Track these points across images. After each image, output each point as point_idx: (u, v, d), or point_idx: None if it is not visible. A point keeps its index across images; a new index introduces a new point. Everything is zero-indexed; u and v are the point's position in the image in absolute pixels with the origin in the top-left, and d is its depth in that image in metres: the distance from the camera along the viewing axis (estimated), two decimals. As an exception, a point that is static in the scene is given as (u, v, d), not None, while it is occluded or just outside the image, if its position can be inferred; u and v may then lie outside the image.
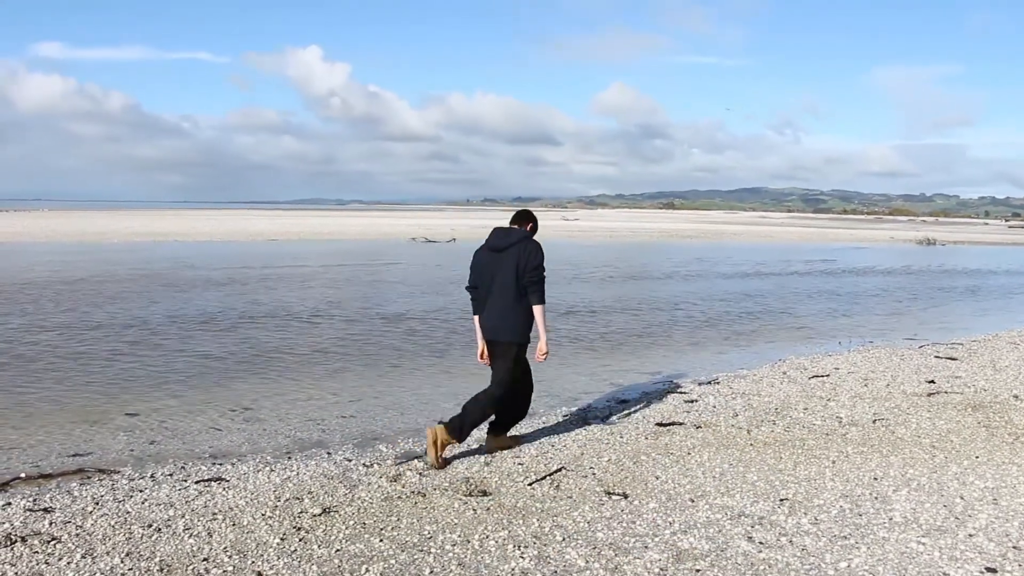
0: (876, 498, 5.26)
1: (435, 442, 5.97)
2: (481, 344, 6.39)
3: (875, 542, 4.53)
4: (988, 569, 4.19)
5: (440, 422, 6.22)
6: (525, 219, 6.56)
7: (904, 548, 4.45)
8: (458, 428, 6.11)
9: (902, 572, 4.15)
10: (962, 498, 5.28)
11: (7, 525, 4.69)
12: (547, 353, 6.39)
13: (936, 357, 10.89)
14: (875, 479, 5.66)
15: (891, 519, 4.89)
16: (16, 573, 4.05)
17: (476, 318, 6.42)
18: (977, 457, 6.21)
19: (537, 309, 6.21)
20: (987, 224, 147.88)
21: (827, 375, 9.56)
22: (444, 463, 6.00)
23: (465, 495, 5.28)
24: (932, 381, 9.16)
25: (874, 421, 7.34)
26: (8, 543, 4.40)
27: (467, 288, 6.53)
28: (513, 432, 6.75)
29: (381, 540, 4.52)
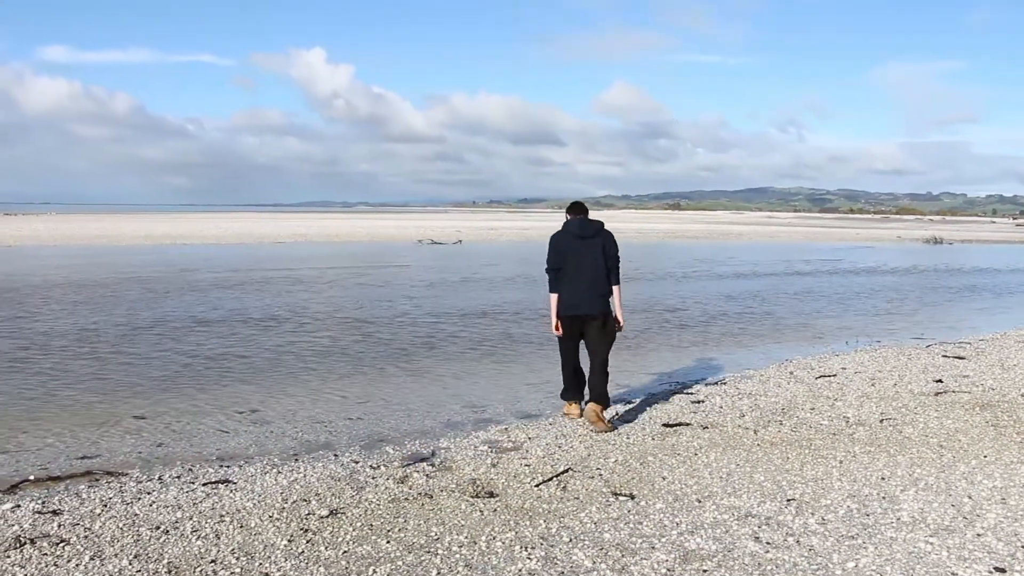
0: (883, 498, 5.26)
1: (598, 415, 7.01)
2: (556, 318, 7.23)
3: (883, 542, 4.52)
4: (997, 569, 4.18)
5: (587, 402, 7.20)
6: (585, 209, 7.49)
7: (912, 548, 4.44)
8: (604, 395, 7.18)
9: (910, 572, 4.15)
10: (970, 497, 5.27)
11: (16, 527, 4.72)
12: (623, 324, 7.34)
13: (944, 356, 10.86)
14: (882, 479, 5.65)
15: (899, 519, 4.88)
16: (26, 575, 4.07)
17: (554, 296, 7.22)
18: (985, 456, 6.20)
19: (616, 288, 7.25)
20: (994, 223, 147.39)
21: (834, 375, 9.55)
22: (611, 426, 7.07)
23: (472, 496, 5.29)
24: (940, 380, 9.14)
25: (881, 421, 7.33)
26: (18, 545, 4.42)
27: (548, 270, 7.25)
28: (527, 435, 6.79)
29: (388, 542, 4.53)
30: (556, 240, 7.25)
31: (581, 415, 7.31)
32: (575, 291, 7.10)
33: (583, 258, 7.10)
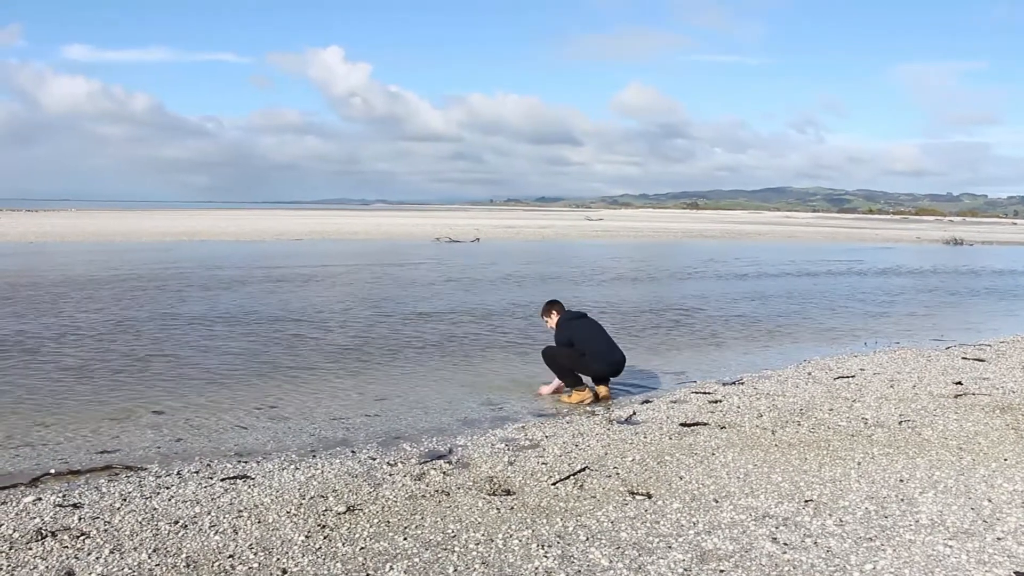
0: (902, 500, 5.23)
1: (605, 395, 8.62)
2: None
3: (901, 544, 4.50)
4: (1017, 573, 4.15)
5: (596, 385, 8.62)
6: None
7: (931, 551, 4.42)
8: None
9: (929, 575, 4.12)
10: (990, 501, 5.23)
11: (38, 520, 4.77)
12: None
13: (963, 358, 10.78)
14: (901, 481, 5.62)
15: (917, 521, 4.85)
16: (47, 567, 4.11)
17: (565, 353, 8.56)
18: (1006, 459, 6.15)
19: None
20: (1016, 224, 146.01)
21: (852, 376, 9.49)
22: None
23: (489, 494, 5.30)
24: (959, 382, 9.07)
25: (900, 422, 7.29)
26: (39, 537, 4.47)
27: (577, 350, 8.48)
28: (544, 433, 6.80)
29: (405, 538, 4.54)
30: (576, 325, 8.64)
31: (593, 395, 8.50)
32: (610, 351, 8.55)
33: (596, 331, 8.65)
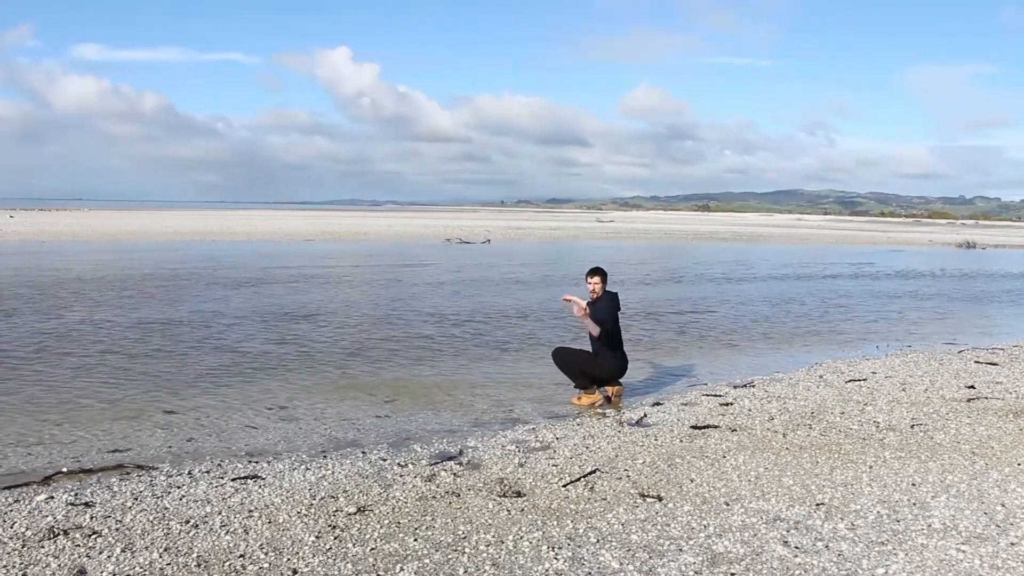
0: (914, 504, 5.20)
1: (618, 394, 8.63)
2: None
3: (913, 549, 4.48)
4: (1030, 578, 4.12)
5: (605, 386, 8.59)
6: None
7: (943, 555, 4.39)
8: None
9: (941, 580, 4.10)
10: (1003, 505, 5.20)
11: (50, 518, 4.79)
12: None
13: (976, 362, 10.72)
14: (913, 485, 5.59)
15: (930, 526, 4.83)
16: (59, 565, 4.13)
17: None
18: (1019, 464, 6.11)
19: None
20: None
21: (864, 379, 9.45)
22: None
23: (499, 496, 5.29)
24: (972, 386, 9.02)
25: (912, 426, 7.25)
26: (51, 536, 4.49)
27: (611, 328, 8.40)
28: (555, 435, 6.80)
29: (415, 539, 4.54)
30: (611, 303, 8.50)
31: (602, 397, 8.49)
32: (623, 358, 8.58)
33: (615, 328, 8.49)
